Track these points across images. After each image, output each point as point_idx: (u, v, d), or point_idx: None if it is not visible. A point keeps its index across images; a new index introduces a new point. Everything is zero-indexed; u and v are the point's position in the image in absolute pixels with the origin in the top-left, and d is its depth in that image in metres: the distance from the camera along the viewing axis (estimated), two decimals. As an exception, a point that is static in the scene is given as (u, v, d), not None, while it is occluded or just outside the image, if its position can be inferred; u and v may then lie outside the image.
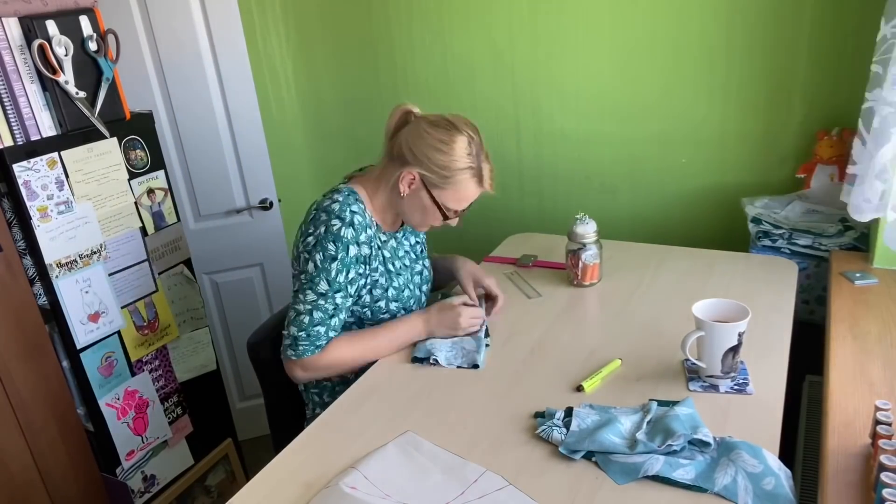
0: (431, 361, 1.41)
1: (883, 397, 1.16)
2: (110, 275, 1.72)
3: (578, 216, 1.65)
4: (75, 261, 1.63)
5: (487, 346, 1.45)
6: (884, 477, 0.90)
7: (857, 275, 1.59)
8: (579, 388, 1.26)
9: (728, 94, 2.03)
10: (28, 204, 1.53)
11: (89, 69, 1.61)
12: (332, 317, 1.39)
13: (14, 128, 1.50)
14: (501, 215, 2.48)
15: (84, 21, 1.59)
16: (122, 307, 1.75)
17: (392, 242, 1.53)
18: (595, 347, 1.41)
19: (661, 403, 1.19)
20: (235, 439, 2.16)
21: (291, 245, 2.55)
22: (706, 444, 1.07)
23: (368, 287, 1.46)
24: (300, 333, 1.38)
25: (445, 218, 1.46)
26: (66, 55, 1.55)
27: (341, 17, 2.48)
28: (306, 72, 2.62)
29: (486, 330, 1.50)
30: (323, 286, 1.38)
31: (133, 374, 1.81)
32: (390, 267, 1.50)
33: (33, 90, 1.52)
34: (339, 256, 1.37)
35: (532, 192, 2.41)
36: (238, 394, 2.61)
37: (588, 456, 1.09)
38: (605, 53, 2.14)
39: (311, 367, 1.40)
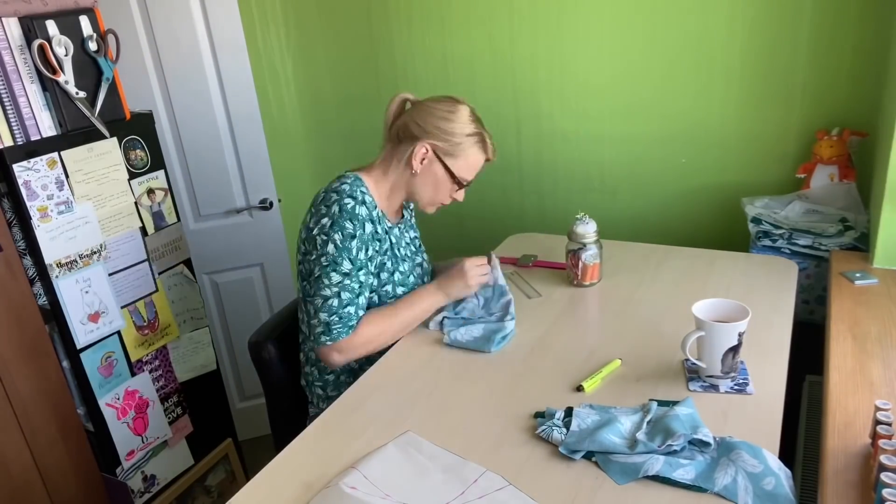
0: (443, 330, 1.50)
1: (883, 397, 1.16)
2: (110, 275, 1.72)
3: (578, 216, 1.66)
4: (75, 261, 1.63)
5: (512, 332, 1.48)
6: (884, 477, 0.90)
7: (857, 275, 1.59)
8: (579, 388, 1.26)
9: (728, 93, 2.03)
10: (28, 204, 1.53)
11: (89, 69, 1.61)
12: (359, 295, 1.41)
13: (14, 128, 1.50)
14: (501, 215, 2.48)
15: (84, 21, 1.59)
16: (122, 307, 1.75)
17: (396, 231, 1.55)
18: (595, 347, 1.41)
19: (661, 403, 1.19)
20: (235, 439, 2.16)
21: (292, 244, 2.56)
22: (706, 444, 1.07)
23: (377, 270, 1.48)
24: (332, 318, 1.39)
25: (459, 187, 1.50)
26: (66, 55, 1.55)
27: (341, 16, 2.48)
28: (306, 72, 2.62)
29: (513, 312, 1.53)
30: (346, 265, 1.39)
31: (133, 374, 1.81)
32: (396, 252, 1.53)
33: (33, 90, 1.52)
34: (358, 234, 1.39)
35: (532, 192, 2.41)
36: (238, 394, 2.61)
37: (588, 456, 1.09)
38: (605, 53, 2.14)
39: (346, 348, 1.41)
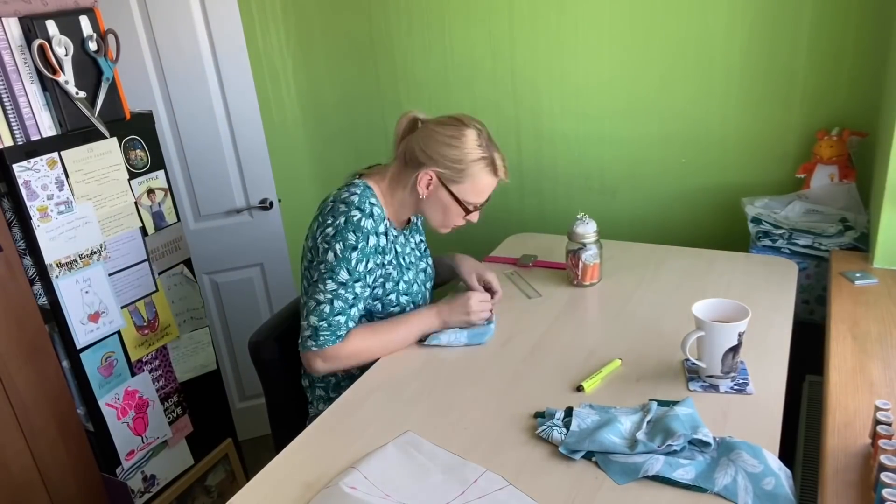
0: (435, 343, 1.47)
1: (883, 397, 1.16)
2: (110, 275, 1.72)
3: (579, 216, 1.66)
4: (75, 261, 1.63)
5: (492, 328, 1.50)
6: (884, 477, 0.90)
7: (857, 275, 1.59)
8: (579, 388, 1.26)
9: (728, 94, 2.03)
10: (28, 204, 1.53)
11: (89, 69, 1.61)
12: (351, 306, 1.41)
13: (14, 128, 1.50)
14: (501, 215, 2.48)
15: (84, 21, 1.59)
16: (122, 307, 1.75)
17: (401, 239, 1.55)
18: (595, 347, 1.41)
19: (660, 403, 1.19)
20: (235, 439, 2.16)
21: (292, 244, 2.56)
22: (706, 444, 1.07)
23: (382, 280, 1.48)
24: (321, 323, 1.39)
25: (467, 213, 1.48)
26: (66, 55, 1.55)
27: (341, 17, 2.48)
28: (306, 72, 2.62)
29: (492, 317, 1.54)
30: (343, 275, 1.39)
31: (133, 374, 1.81)
32: (401, 261, 1.53)
33: (33, 90, 1.52)
34: (360, 246, 1.39)
35: (532, 192, 2.41)
36: (238, 394, 2.61)
37: (588, 456, 1.09)
38: (605, 54, 2.14)
39: (331, 357, 1.40)
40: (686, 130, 2.12)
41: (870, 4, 1.80)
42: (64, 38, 1.54)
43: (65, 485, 1.69)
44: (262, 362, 1.58)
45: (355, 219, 1.39)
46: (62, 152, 1.58)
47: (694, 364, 1.25)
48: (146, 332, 1.82)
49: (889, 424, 0.99)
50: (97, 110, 1.62)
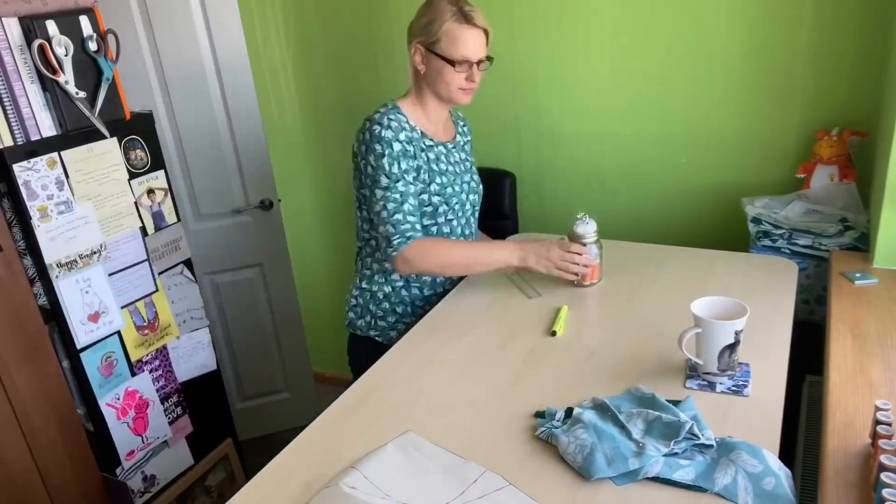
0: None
1: (883, 397, 1.16)
2: (110, 275, 1.72)
3: (579, 216, 1.66)
4: (75, 261, 1.63)
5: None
6: (884, 477, 0.90)
7: (857, 275, 1.59)
8: (553, 334, 1.43)
9: (728, 93, 2.03)
10: (28, 204, 1.53)
11: (89, 69, 1.61)
12: (402, 202, 1.57)
13: (14, 128, 1.50)
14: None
15: (84, 21, 1.59)
16: (122, 307, 1.75)
17: (441, 149, 1.69)
18: (595, 347, 1.41)
19: (661, 403, 1.18)
20: (235, 439, 2.16)
21: (292, 244, 2.57)
22: (707, 445, 1.07)
23: (421, 178, 1.62)
24: (386, 227, 1.56)
25: (455, 66, 1.58)
26: (66, 55, 1.55)
27: (341, 17, 2.48)
28: (306, 72, 2.62)
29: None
30: (384, 180, 1.56)
31: (133, 374, 1.81)
32: (434, 167, 1.65)
33: (33, 90, 1.52)
34: (387, 152, 1.55)
35: (532, 193, 2.41)
36: (238, 394, 2.61)
37: (591, 458, 1.09)
38: (605, 53, 2.14)
39: (410, 258, 1.56)
40: (686, 130, 2.12)
41: (870, 5, 1.80)
42: (64, 38, 1.54)
43: (65, 485, 1.69)
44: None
45: (376, 131, 1.57)
46: (62, 152, 1.58)
47: (691, 361, 1.25)
48: (146, 332, 1.82)
49: (889, 424, 0.99)
50: (97, 110, 1.62)
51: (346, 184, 2.75)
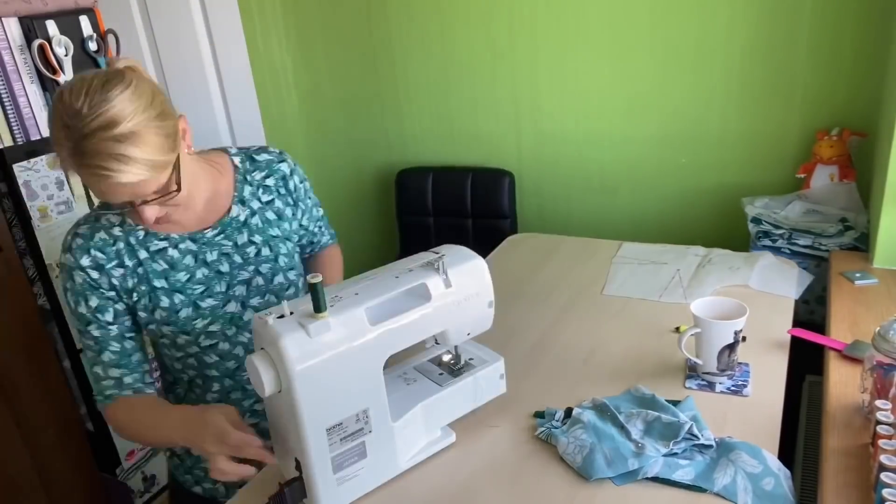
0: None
1: (883, 397, 1.16)
2: (110, 275, 1.71)
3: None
4: (75, 261, 1.63)
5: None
6: (884, 477, 0.90)
7: (857, 275, 1.59)
8: None
9: (728, 94, 2.03)
10: (28, 204, 1.53)
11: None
12: (99, 353, 1.12)
13: (14, 128, 1.50)
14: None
15: (84, 21, 1.59)
16: (122, 307, 1.75)
17: (182, 247, 1.15)
18: (595, 347, 1.41)
19: (660, 403, 1.18)
20: (235, 439, 2.16)
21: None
22: (707, 445, 1.07)
23: (126, 309, 1.14)
24: (91, 380, 1.17)
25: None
26: (66, 55, 1.55)
27: (341, 17, 2.48)
28: (306, 72, 2.62)
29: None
30: (74, 321, 1.14)
31: (133, 374, 1.80)
32: (157, 283, 1.13)
33: (33, 90, 1.52)
34: (68, 286, 1.11)
35: (532, 192, 2.41)
36: (238, 394, 2.61)
37: (591, 458, 1.09)
38: (605, 53, 2.14)
39: (112, 423, 1.16)
40: (686, 130, 2.12)
41: (870, 5, 1.80)
42: (64, 38, 1.54)
43: (65, 485, 1.69)
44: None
45: (61, 255, 1.13)
46: (62, 152, 1.58)
47: (691, 361, 1.25)
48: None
49: (889, 424, 0.99)
50: (97, 110, 1.62)
51: (346, 184, 2.75)
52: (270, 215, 1.24)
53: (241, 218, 1.20)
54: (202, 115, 2.23)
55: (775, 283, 1.57)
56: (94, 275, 1.10)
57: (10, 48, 1.47)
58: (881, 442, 0.95)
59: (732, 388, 1.23)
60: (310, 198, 1.34)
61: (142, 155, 0.95)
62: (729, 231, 2.12)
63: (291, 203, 1.27)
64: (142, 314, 1.14)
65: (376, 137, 2.63)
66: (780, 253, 1.78)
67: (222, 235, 1.18)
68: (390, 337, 1.03)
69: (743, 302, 1.23)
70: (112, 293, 1.12)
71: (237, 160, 1.26)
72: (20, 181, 1.51)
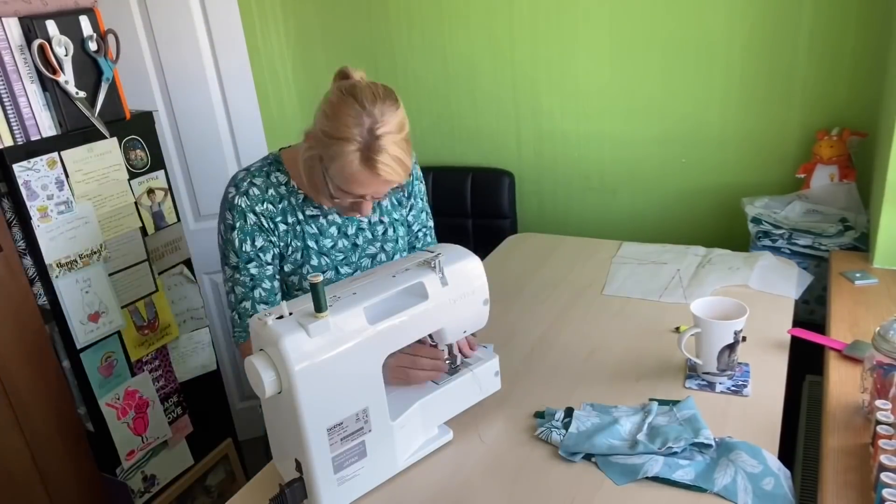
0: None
1: (883, 397, 1.16)
2: (110, 275, 1.71)
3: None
4: (75, 261, 1.63)
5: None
6: (884, 477, 0.90)
7: (857, 275, 1.59)
8: None
9: (728, 93, 2.03)
10: (28, 204, 1.53)
11: (89, 69, 1.61)
12: (252, 289, 1.27)
13: (14, 128, 1.50)
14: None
15: (84, 21, 1.59)
16: (122, 307, 1.75)
17: (329, 219, 1.33)
18: (595, 347, 1.41)
19: (661, 403, 1.19)
20: (235, 439, 2.16)
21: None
22: (707, 445, 1.07)
23: (280, 255, 1.31)
24: (233, 314, 1.30)
25: (332, 197, 1.20)
26: (66, 55, 1.55)
27: (341, 17, 2.48)
28: (306, 72, 2.62)
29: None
30: (233, 258, 1.27)
31: (133, 374, 1.80)
32: (311, 243, 1.31)
33: (33, 90, 1.52)
34: (238, 225, 1.25)
35: (532, 192, 2.41)
36: (238, 394, 2.61)
37: (588, 457, 1.09)
38: (605, 53, 2.14)
39: (246, 353, 1.24)
40: (686, 130, 2.12)
41: (869, 5, 1.80)
42: (64, 38, 1.54)
43: (65, 485, 1.69)
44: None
45: (230, 196, 1.27)
46: (62, 152, 1.58)
47: (691, 361, 1.25)
48: (146, 332, 1.82)
49: (889, 424, 0.99)
50: (97, 110, 1.62)
51: (346, 184, 2.75)
52: (394, 200, 1.41)
53: (377, 203, 1.35)
54: (202, 115, 2.23)
55: (775, 283, 1.57)
56: (264, 221, 1.27)
57: (10, 48, 1.47)
58: (881, 442, 0.96)
59: (732, 388, 1.23)
60: (421, 199, 1.47)
61: (409, 160, 1.18)
62: (729, 231, 2.12)
63: (405, 196, 1.43)
64: (288, 266, 1.31)
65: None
66: (780, 253, 1.79)
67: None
68: (389, 335, 1.03)
69: (743, 302, 1.23)
70: (275, 238, 1.28)
71: None
72: (20, 181, 1.51)
